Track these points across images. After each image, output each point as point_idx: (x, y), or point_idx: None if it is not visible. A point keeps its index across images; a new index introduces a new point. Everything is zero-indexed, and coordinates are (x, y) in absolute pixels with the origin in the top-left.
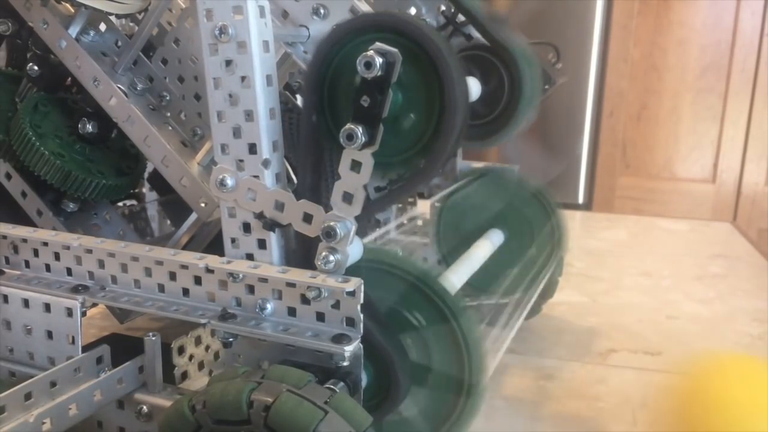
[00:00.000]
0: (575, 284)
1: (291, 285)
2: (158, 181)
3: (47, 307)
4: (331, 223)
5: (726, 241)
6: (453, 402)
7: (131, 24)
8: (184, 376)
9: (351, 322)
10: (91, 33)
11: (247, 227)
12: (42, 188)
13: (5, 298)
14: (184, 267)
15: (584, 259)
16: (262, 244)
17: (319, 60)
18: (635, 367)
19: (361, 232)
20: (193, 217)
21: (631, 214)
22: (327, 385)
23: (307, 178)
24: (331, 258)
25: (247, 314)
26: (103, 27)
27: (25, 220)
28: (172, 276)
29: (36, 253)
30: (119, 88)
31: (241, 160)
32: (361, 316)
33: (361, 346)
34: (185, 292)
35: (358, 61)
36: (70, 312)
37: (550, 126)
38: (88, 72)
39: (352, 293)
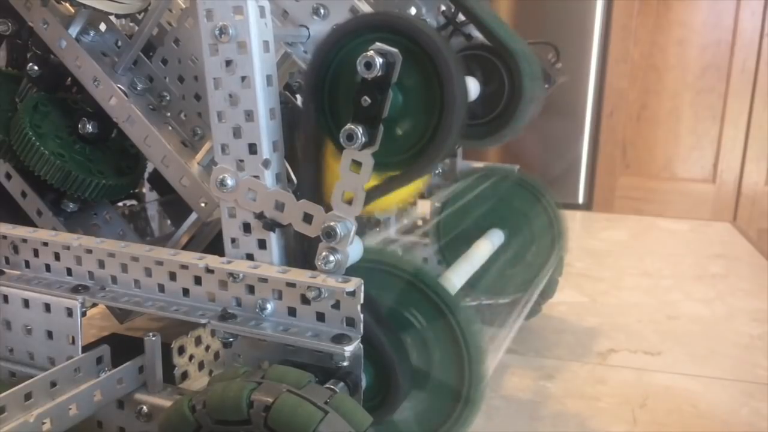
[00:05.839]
0: (575, 284)
1: (291, 285)
2: (158, 181)
3: (47, 307)
4: (332, 224)
5: (726, 241)
6: (453, 402)
7: (131, 24)
8: (184, 376)
9: (351, 322)
10: (91, 33)
11: (247, 227)
12: (42, 188)
13: (5, 298)
14: (184, 267)
15: (584, 259)
16: (262, 244)
17: (318, 60)
18: (635, 367)
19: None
20: (193, 217)
21: (631, 214)
22: (327, 386)
23: (307, 178)
24: (332, 258)
25: (247, 314)
26: (103, 27)
27: (25, 220)
28: (172, 276)
29: (36, 253)
30: (119, 88)
31: (242, 160)
32: (362, 316)
33: (362, 346)
34: (185, 292)
35: (358, 61)
36: (70, 312)
37: (550, 126)
38: (88, 72)
39: (352, 293)
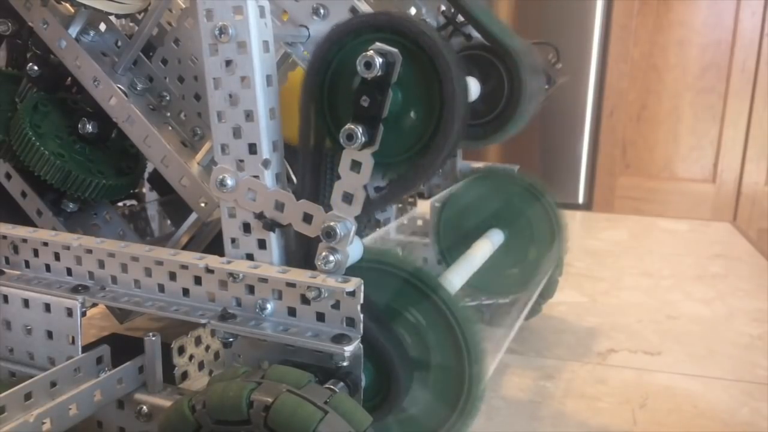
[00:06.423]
0: (575, 284)
1: (291, 285)
2: (158, 181)
3: (47, 307)
4: (331, 223)
5: (726, 241)
6: (453, 402)
7: (131, 24)
8: (184, 376)
9: (351, 322)
10: (91, 33)
11: (247, 227)
12: (42, 188)
13: (5, 298)
14: (184, 267)
15: (584, 259)
16: (262, 244)
17: (318, 59)
18: (635, 367)
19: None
20: (193, 217)
21: (631, 214)
22: (327, 386)
23: (307, 179)
24: (331, 258)
25: (247, 314)
26: (103, 27)
27: (25, 220)
28: (172, 276)
29: (36, 253)
30: (119, 88)
31: (241, 160)
32: (361, 316)
33: (361, 346)
34: (185, 292)
35: (358, 61)
36: (70, 312)
37: (550, 126)
38: (88, 72)
39: (352, 293)
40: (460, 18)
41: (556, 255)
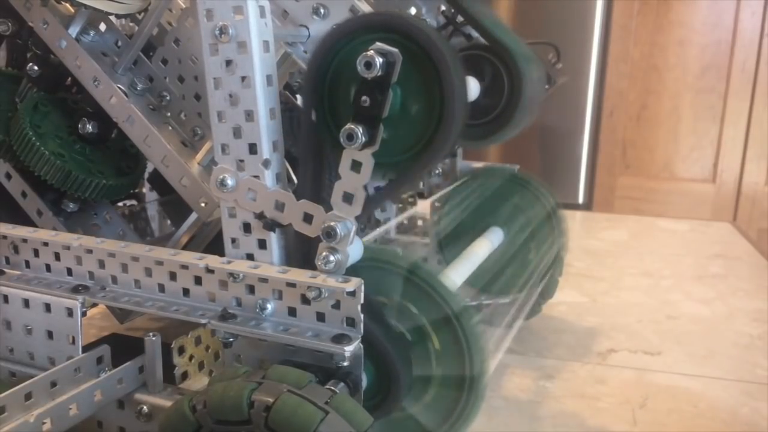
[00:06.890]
0: (575, 284)
1: (291, 285)
2: (158, 181)
3: (47, 307)
4: (332, 223)
5: (726, 241)
6: (454, 401)
7: (131, 24)
8: (184, 376)
9: (351, 322)
10: (91, 33)
11: (247, 227)
12: (42, 188)
13: (5, 298)
14: (184, 267)
15: (584, 259)
16: (262, 244)
17: (319, 60)
18: (635, 367)
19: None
20: (193, 217)
21: (631, 214)
22: (327, 386)
23: (308, 178)
24: (332, 258)
25: (248, 314)
26: (103, 27)
27: (25, 220)
28: (173, 276)
29: (36, 253)
30: (119, 88)
31: (242, 160)
32: (362, 316)
33: (362, 346)
34: (185, 292)
35: (358, 61)
36: (70, 312)
37: (550, 126)
38: (88, 72)
39: (352, 293)
40: (460, 18)
41: (556, 255)
